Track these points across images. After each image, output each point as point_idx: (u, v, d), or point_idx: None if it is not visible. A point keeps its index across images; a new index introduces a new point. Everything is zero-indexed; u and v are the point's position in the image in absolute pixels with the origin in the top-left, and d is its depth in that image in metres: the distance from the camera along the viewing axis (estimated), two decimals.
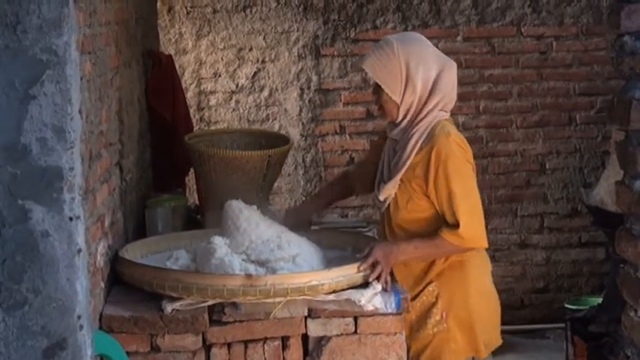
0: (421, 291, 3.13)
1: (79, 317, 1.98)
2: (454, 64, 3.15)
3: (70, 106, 1.97)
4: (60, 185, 1.96)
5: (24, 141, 1.93)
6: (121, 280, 3.08)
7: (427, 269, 3.13)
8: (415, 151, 3.07)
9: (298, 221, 3.41)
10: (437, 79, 3.07)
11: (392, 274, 3.09)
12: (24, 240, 1.94)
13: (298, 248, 3.11)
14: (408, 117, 3.09)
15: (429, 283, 3.13)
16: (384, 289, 2.94)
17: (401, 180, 3.11)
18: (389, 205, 3.17)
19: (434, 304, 3.12)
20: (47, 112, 1.95)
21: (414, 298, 3.11)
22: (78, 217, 1.99)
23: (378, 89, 3.12)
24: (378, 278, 2.96)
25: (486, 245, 3.11)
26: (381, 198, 3.16)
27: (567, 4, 5.68)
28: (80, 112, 2.53)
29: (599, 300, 5.00)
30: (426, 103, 3.07)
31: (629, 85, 2.33)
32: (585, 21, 5.69)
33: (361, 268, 2.97)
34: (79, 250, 1.99)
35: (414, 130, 3.08)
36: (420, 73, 3.05)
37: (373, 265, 2.99)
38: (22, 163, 1.93)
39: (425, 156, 3.05)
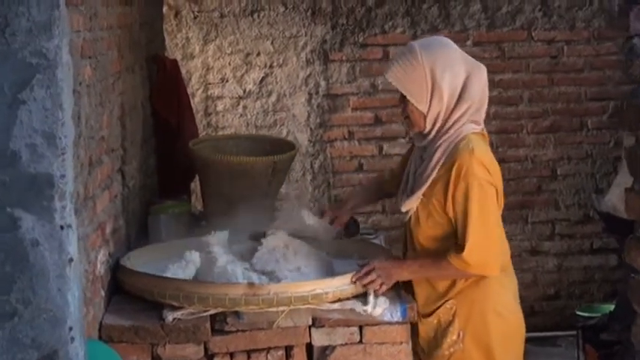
0: (438, 308, 3.01)
1: (70, 329, 1.94)
2: (483, 68, 2.99)
3: (61, 111, 1.92)
4: (50, 193, 1.92)
5: (13, 147, 1.89)
6: (122, 289, 3.05)
7: (450, 286, 3.00)
8: (438, 167, 2.93)
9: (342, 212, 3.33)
10: (465, 85, 2.92)
11: (407, 287, 3.04)
12: (13, 249, 1.91)
13: (305, 259, 3.07)
14: (437, 126, 2.95)
15: (447, 300, 3.00)
16: (376, 295, 2.91)
17: (423, 195, 2.99)
18: (410, 218, 3.06)
19: (450, 323, 2.99)
20: (37, 118, 1.91)
21: (429, 315, 3.02)
22: (69, 226, 1.94)
23: (403, 99, 2.97)
24: (374, 287, 2.93)
25: (496, 273, 2.95)
26: (403, 210, 3.06)
27: (579, 8, 5.65)
28: (79, 117, 2.53)
29: (611, 307, 4.98)
30: (453, 111, 2.92)
31: (639, 89, 2.28)
32: (597, 25, 5.66)
33: (354, 277, 2.92)
34: (71, 260, 1.95)
35: (440, 141, 2.94)
36: (447, 80, 2.90)
37: (367, 274, 2.93)
38: (11, 170, 1.90)
39: (446, 172, 2.91)
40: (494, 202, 2.92)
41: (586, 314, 5.09)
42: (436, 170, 2.93)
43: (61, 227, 1.93)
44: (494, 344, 2.97)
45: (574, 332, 4.94)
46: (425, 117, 2.94)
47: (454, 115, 2.92)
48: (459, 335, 2.98)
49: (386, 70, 3.00)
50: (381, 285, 2.93)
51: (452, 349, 2.98)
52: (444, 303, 3.00)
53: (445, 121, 2.93)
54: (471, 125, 2.94)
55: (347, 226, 3.35)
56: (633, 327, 2.38)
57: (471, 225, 2.87)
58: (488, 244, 2.90)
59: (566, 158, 5.73)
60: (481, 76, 2.96)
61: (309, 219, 3.22)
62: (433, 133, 2.96)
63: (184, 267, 3.13)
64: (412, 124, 3.00)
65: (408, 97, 2.93)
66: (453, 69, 2.91)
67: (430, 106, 2.92)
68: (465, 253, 2.87)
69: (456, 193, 2.89)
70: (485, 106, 2.99)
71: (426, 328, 3.02)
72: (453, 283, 2.99)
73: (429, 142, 2.98)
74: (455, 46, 3.01)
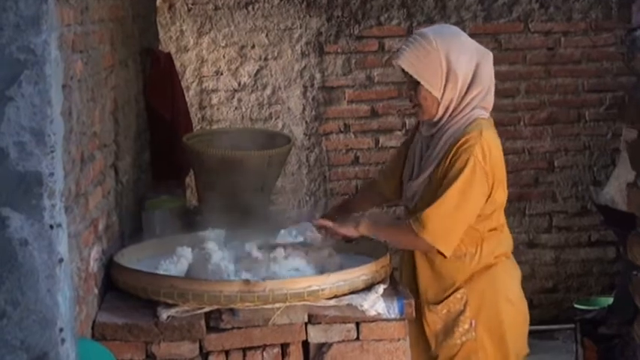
0: (447, 297, 3.01)
1: (60, 330, 1.90)
2: (491, 55, 3.02)
3: (49, 107, 1.88)
4: (39, 191, 1.88)
5: (1, 145, 1.85)
6: (115, 286, 3.03)
7: (458, 275, 3.00)
8: (446, 148, 2.94)
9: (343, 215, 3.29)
10: (476, 71, 2.94)
11: (415, 278, 3.05)
12: (1, 249, 1.86)
13: (303, 260, 3.06)
14: (448, 113, 2.95)
15: (457, 289, 3.00)
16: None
17: (429, 176, 2.99)
18: (416, 203, 3.04)
19: (462, 312, 3.00)
20: (25, 115, 1.87)
21: (438, 303, 3.02)
22: (59, 225, 1.90)
23: (415, 85, 2.96)
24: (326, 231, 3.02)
25: (446, 253, 2.93)
26: (409, 194, 3.06)
27: None
28: (70, 113, 2.50)
29: (609, 300, 4.98)
30: (464, 96, 2.94)
31: None
32: (594, 16, 5.65)
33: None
34: (61, 260, 1.90)
35: (450, 125, 2.95)
36: (461, 66, 2.92)
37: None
38: None
39: (451, 148, 2.92)
40: (478, 191, 2.90)
41: (584, 307, 5.08)
42: (443, 151, 2.94)
43: (51, 226, 1.89)
44: (506, 331, 3.01)
45: (572, 325, 4.91)
46: (438, 103, 2.94)
47: (465, 100, 2.94)
48: (471, 324, 2.99)
49: (396, 56, 2.99)
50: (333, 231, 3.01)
51: (464, 338, 3.00)
52: (453, 292, 3.01)
53: (456, 107, 2.95)
54: (480, 111, 2.96)
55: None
56: (635, 324, 2.35)
57: (447, 195, 2.87)
58: (452, 222, 2.89)
59: (563, 150, 5.73)
60: (489, 62, 2.99)
61: (312, 238, 3.19)
62: (444, 119, 2.96)
63: (176, 262, 3.11)
64: (424, 112, 2.99)
65: (422, 83, 2.93)
66: (466, 55, 2.94)
67: (444, 91, 2.93)
68: (425, 215, 2.88)
69: (453, 159, 2.90)
70: (493, 91, 3.01)
71: (435, 317, 3.03)
72: (461, 272, 3.00)
73: (437, 130, 2.99)
74: (464, 32, 3.04)
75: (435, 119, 2.98)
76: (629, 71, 2.30)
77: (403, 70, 2.96)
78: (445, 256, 2.95)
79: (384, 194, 3.33)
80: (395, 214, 5.31)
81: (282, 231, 3.24)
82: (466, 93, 2.94)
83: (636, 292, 2.37)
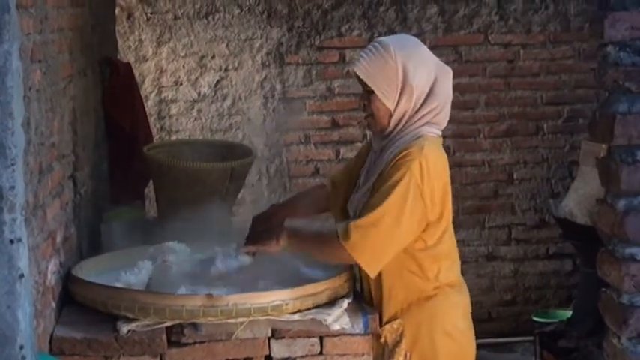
0: (384, 324, 2.91)
1: (21, 347, 1.88)
2: (451, 72, 2.92)
3: (11, 120, 1.86)
4: (0, 205, 1.85)
5: None
6: (74, 300, 2.98)
7: (397, 305, 2.89)
8: (389, 160, 2.84)
9: (268, 226, 3.12)
10: (433, 86, 2.85)
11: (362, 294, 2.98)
12: None
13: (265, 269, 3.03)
14: (399, 126, 2.86)
15: (394, 318, 2.90)
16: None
17: (369, 190, 2.89)
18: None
19: (397, 344, 2.89)
20: None
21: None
22: (20, 240, 1.89)
23: (369, 95, 2.87)
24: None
25: (367, 269, 2.80)
26: (351, 212, 2.97)
27: (534, 12, 5.70)
28: (29, 124, 2.45)
29: (567, 313, 5.03)
30: (418, 110, 2.84)
31: (612, 99, 2.26)
32: (553, 29, 5.71)
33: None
34: (22, 276, 1.89)
35: (397, 138, 2.85)
36: (418, 79, 2.82)
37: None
38: None
39: (392, 161, 2.83)
40: (412, 209, 2.76)
41: (542, 320, 5.13)
42: (385, 163, 2.84)
43: (11, 241, 1.87)
44: None
45: (531, 338, 4.95)
46: (391, 115, 2.85)
47: (418, 114, 2.85)
48: (405, 356, 2.88)
49: (353, 63, 2.92)
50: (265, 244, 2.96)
51: None
52: (389, 321, 2.90)
53: (408, 120, 2.86)
54: (431, 128, 2.86)
55: None
56: (605, 342, 2.37)
57: (378, 209, 2.74)
58: (379, 237, 2.75)
59: (522, 163, 5.78)
60: (448, 79, 2.90)
61: (243, 262, 3.11)
62: (395, 132, 2.87)
63: (137, 274, 3.07)
64: (376, 122, 2.90)
65: (377, 92, 2.84)
66: (424, 68, 2.84)
67: (398, 103, 2.83)
68: (353, 225, 2.76)
69: (390, 172, 2.79)
70: (449, 108, 2.92)
71: (374, 344, 2.92)
72: (400, 302, 2.90)
73: (387, 143, 2.90)
74: (425, 46, 2.95)
75: (387, 132, 2.89)
76: (599, 86, 2.32)
77: (359, 77, 2.88)
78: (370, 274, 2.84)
79: (328, 203, 3.23)
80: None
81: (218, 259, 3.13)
82: (420, 107, 2.85)
83: (605, 311, 2.37)
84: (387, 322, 2.90)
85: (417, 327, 2.88)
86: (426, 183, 2.77)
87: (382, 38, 2.95)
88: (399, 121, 2.85)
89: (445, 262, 2.90)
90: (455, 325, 2.92)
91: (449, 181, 2.88)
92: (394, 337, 2.89)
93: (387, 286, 2.90)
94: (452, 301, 2.93)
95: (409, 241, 2.82)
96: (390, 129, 2.87)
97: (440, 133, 2.91)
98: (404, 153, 2.79)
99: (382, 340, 2.90)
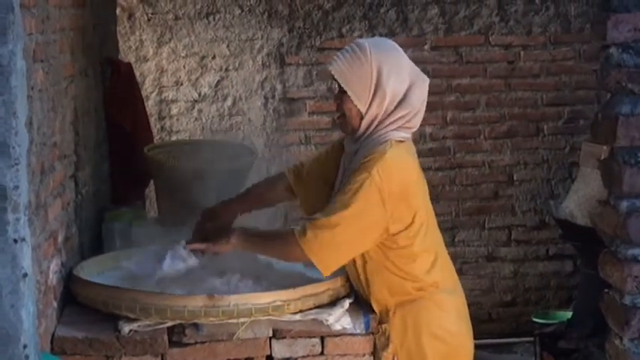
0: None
1: (24, 347, 1.88)
2: (427, 80, 2.92)
3: (15, 119, 1.86)
4: (3, 205, 1.86)
5: None
6: (75, 300, 2.99)
7: (384, 309, 2.89)
8: (357, 164, 2.83)
9: (218, 223, 3.10)
10: (407, 93, 2.84)
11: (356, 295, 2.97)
12: None
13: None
14: (370, 130, 2.86)
15: (380, 322, 2.90)
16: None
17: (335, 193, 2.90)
18: None
19: (385, 347, 2.89)
20: None
21: None
22: (23, 239, 1.89)
23: (342, 95, 2.87)
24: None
25: (321, 268, 2.80)
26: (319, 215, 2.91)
27: (535, 13, 5.72)
28: (31, 123, 2.45)
29: (567, 314, 5.04)
30: (390, 115, 2.84)
31: (614, 100, 2.27)
32: (553, 30, 5.73)
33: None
34: (25, 275, 1.89)
35: (367, 142, 2.85)
36: (392, 84, 2.82)
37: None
38: None
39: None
40: (371, 212, 2.76)
41: (542, 321, 5.14)
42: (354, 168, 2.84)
43: (15, 241, 1.88)
44: None
45: (531, 339, 4.96)
46: (362, 117, 2.85)
47: (389, 119, 2.84)
48: (393, 359, 2.88)
49: (330, 62, 2.90)
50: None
51: None
52: (377, 325, 2.90)
53: (379, 124, 2.85)
54: (400, 132, 2.85)
55: None
56: (607, 344, 2.38)
57: (336, 209, 2.75)
58: (333, 238, 2.76)
59: (522, 164, 5.79)
60: (423, 87, 2.89)
61: (192, 263, 3.07)
62: (365, 135, 2.87)
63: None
64: (346, 123, 2.89)
65: (349, 93, 2.84)
66: (399, 74, 2.84)
67: (370, 106, 2.83)
68: (310, 223, 2.77)
69: (353, 175, 2.78)
70: (421, 116, 2.90)
71: None
72: (385, 304, 2.89)
73: (358, 147, 2.89)
74: (403, 52, 2.94)
75: (358, 134, 2.89)
76: (602, 88, 2.33)
77: (334, 77, 2.88)
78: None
79: (288, 194, 3.20)
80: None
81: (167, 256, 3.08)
82: (392, 112, 2.84)
83: (608, 312, 2.39)
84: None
85: (403, 331, 2.87)
86: (386, 187, 2.76)
87: (361, 40, 2.94)
88: (370, 123, 2.85)
89: (424, 262, 2.88)
90: (442, 327, 2.89)
91: (420, 182, 2.88)
92: (382, 341, 2.90)
93: (371, 288, 2.91)
94: (442, 306, 2.90)
95: (368, 246, 2.82)
96: (360, 131, 2.87)
97: (409, 136, 2.90)
98: (368, 157, 2.79)
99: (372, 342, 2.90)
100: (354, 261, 2.89)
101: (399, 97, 2.83)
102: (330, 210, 2.78)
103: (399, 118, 2.84)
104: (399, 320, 2.88)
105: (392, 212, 2.78)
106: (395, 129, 2.84)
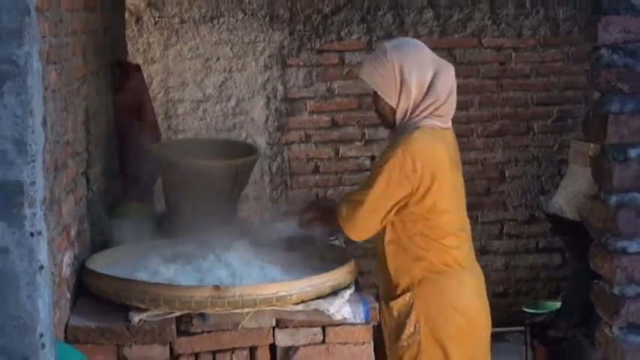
0: (396, 297, 3.06)
1: (41, 336, 1.88)
2: (451, 67, 3.10)
3: (31, 118, 1.86)
4: (20, 200, 1.86)
5: None
6: (87, 291, 3.06)
7: (407, 278, 3.05)
8: None
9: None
10: (432, 82, 3.02)
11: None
12: None
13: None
14: (404, 121, 3.06)
15: (405, 291, 3.05)
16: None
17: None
18: None
19: (408, 315, 3.03)
20: (7, 125, 1.85)
21: (389, 302, 3.07)
22: (40, 233, 1.89)
23: (376, 96, 3.09)
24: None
25: (350, 235, 3.09)
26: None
27: (525, 16, 5.74)
28: (45, 122, 2.54)
29: (556, 304, 5.08)
30: (419, 105, 3.03)
31: (604, 99, 2.28)
32: (543, 33, 5.75)
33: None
34: (41, 267, 1.89)
35: (401, 131, 3.05)
36: (414, 77, 3.01)
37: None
38: None
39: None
40: (392, 185, 2.98)
41: (532, 311, 5.17)
42: None
43: (31, 234, 1.87)
44: (449, 339, 3.02)
45: (522, 328, 4.99)
46: (394, 112, 3.05)
47: (419, 108, 3.03)
48: (415, 327, 3.02)
49: (359, 68, 3.15)
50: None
51: (410, 340, 3.03)
52: (401, 294, 3.05)
53: (411, 115, 3.04)
54: (431, 120, 3.04)
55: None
56: (597, 332, 2.40)
57: (363, 185, 3.06)
58: (360, 207, 3.02)
59: (513, 161, 5.83)
60: (448, 74, 3.07)
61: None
62: (400, 126, 3.06)
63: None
64: (383, 119, 3.13)
65: (379, 93, 3.05)
66: (420, 67, 3.02)
67: (399, 101, 3.03)
68: (345, 199, 3.10)
69: (382, 155, 3.06)
70: (453, 100, 3.09)
71: (389, 317, 3.08)
72: (411, 276, 3.04)
73: (395, 136, 3.09)
74: (424, 45, 3.13)
75: (395, 127, 3.09)
76: (592, 87, 2.32)
77: (364, 81, 3.11)
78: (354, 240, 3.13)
79: None
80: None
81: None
82: (420, 102, 3.02)
83: (598, 302, 2.40)
84: (399, 295, 3.06)
85: (427, 301, 3.03)
86: (409, 165, 2.96)
87: (383, 43, 3.19)
88: (403, 116, 3.05)
89: (452, 240, 3.07)
90: (464, 302, 3.08)
91: (449, 166, 3.06)
92: (405, 309, 3.04)
93: (398, 261, 3.07)
94: (461, 280, 3.09)
95: (391, 219, 3.04)
96: (397, 124, 3.08)
97: (442, 124, 3.08)
98: (397, 140, 3.01)
99: (395, 313, 3.06)
100: (383, 231, 3.09)
101: (425, 86, 3.03)
102: (360, 187, 3.09)
103: (428, 106, 3.03)
104: (424, 291, 3.04)
105: (416, 188, 2.98)
106: (426, 116, 3.04)
